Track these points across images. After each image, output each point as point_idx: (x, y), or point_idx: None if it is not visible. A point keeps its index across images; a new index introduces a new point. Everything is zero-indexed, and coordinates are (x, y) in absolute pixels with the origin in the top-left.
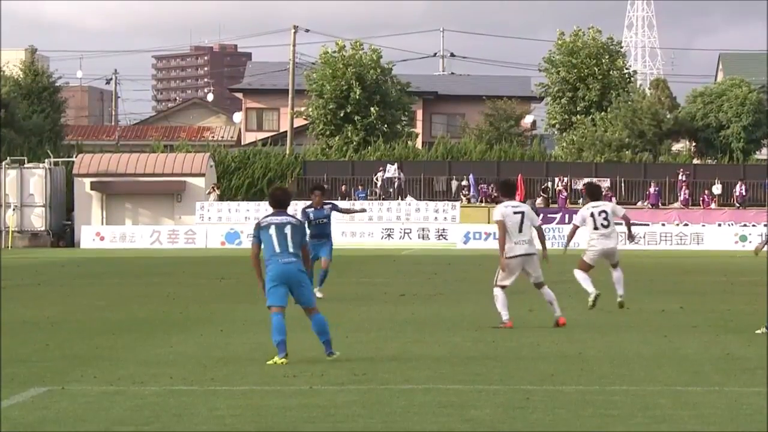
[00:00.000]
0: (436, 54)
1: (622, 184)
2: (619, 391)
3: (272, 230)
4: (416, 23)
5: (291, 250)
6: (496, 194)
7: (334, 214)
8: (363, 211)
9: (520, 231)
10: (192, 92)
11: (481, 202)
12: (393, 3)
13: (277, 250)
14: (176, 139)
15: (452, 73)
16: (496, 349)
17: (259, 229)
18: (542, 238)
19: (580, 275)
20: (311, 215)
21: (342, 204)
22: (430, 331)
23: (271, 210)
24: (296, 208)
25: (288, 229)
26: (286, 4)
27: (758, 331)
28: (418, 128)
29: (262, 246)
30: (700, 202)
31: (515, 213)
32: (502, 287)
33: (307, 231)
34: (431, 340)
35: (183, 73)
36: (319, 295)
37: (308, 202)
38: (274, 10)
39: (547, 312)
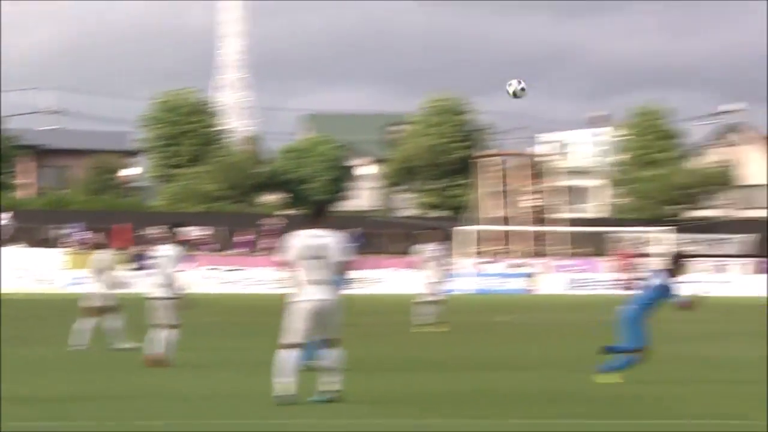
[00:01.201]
0: (42, 111)
1: (218, 233)
2: (210, 425)
3: None
4: (29, 80)
5: None
6: (104, 241)
7: None
8: None
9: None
10: None
11: (86, 249)
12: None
13: None
14: None
15: (61, 128)
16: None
17: None
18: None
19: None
20: None
21: None
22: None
23: None
24: None
25: None
26: None
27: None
28: (31, 179)
29: None
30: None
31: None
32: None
33: None
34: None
35: None
36: None
37: None
38: None
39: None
